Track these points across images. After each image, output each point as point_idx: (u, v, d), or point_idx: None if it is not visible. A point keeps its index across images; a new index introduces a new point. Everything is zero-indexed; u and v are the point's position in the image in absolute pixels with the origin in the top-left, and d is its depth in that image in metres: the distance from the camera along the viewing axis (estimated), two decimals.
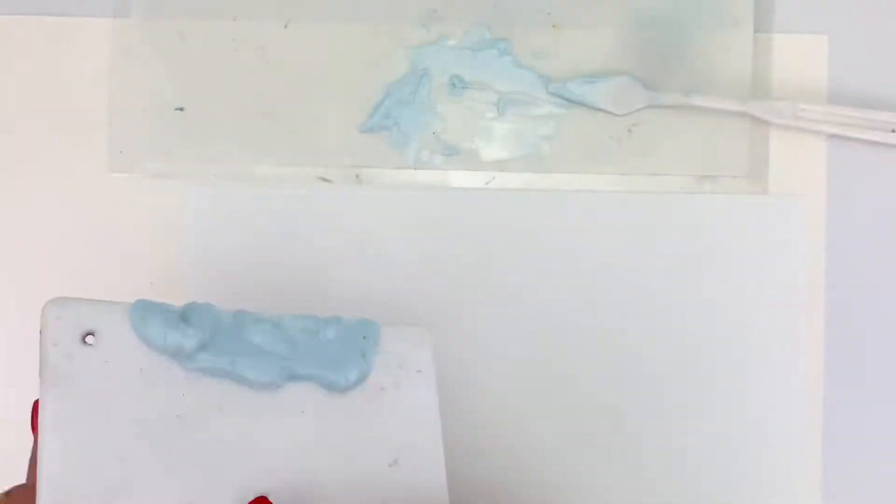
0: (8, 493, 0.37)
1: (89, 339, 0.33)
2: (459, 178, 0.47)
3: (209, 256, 0.47)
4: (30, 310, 0.48)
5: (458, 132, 0.47)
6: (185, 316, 0.34)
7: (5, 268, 0.47)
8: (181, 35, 0.47)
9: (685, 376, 0.47)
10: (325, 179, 0.47)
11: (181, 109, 0.47)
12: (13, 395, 0.47)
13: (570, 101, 0.47)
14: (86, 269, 0.47)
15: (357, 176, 0.47)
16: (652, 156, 0.47)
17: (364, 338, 0.36)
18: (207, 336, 0.33)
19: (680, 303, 0.47)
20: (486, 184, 0.47)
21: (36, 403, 0.35)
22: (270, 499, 0.32)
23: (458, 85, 0.47)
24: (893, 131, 0.46)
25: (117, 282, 0.47)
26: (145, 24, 0.47)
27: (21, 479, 0.36)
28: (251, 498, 0.32)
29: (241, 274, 0.47)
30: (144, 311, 0.33)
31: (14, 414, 0.47)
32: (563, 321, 0.47)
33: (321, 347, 0.35)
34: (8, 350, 0.47)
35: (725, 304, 0.47)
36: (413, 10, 0.47)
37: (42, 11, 0.48)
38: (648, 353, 0.47)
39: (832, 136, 0.47)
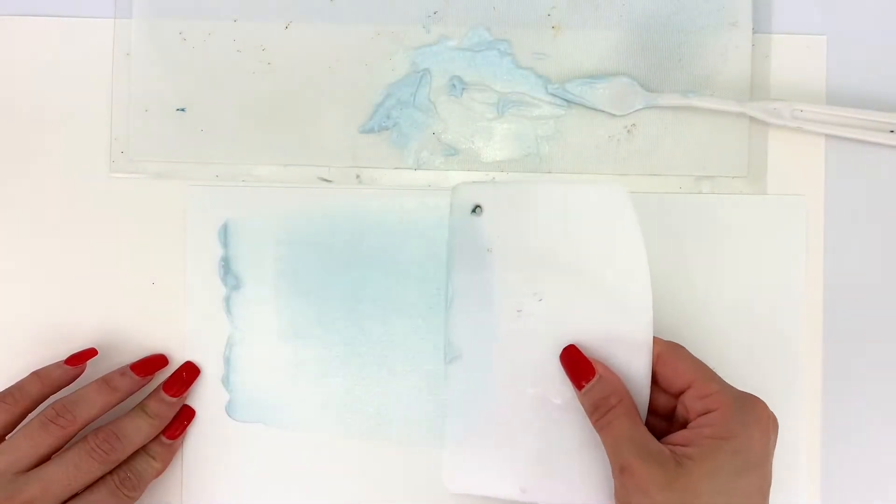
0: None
1: None
2: (459, 178, 0.47)
3: (209, 256, 0.47)
4: (30, 309, 0.48)
5: (458, 132, 0.47)
6: None
7: (6, 267, 0.48)
8: (182, 36, 0.48)
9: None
10: (325, 179, 0.47)
11: (182, 110, 0.48)
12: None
13: (569, 101, 0.47)
14: (86, 269, 0.47)
15: (357, 176, 0.47)
16: (651, 156, 0.47)
17: None
18: None
19: (679, 302, 0.47)
20: None
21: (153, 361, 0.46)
22: None
23: (458, 85, 0.47)
24: (892, 132, 0.46)
25: (118, 281, 0.47)
26: (147, 25, 0.48)
27: None
28: None
29: (241, 273, 0.47)
30: None
31: None
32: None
33: None
34: (8, 350, 0.47)
35: (724, 304, 0.47)
36: (414, 12, 0.47)
37: (43, 12, 0.48)
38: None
39: (830, 137, 0.47)
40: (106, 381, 0.44)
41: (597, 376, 0.43)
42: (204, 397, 0.47)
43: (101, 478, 0.43)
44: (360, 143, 0.47)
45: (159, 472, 0.45)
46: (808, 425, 0.47)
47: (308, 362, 0.47)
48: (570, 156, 0.47)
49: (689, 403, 0.41)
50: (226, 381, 0.47)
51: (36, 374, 0.44)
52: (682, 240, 0.47)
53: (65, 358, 0.45)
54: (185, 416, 0.47)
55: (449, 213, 0.46)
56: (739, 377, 0.46)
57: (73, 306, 0.47)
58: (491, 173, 0.47)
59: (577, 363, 0.43)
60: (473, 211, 0.46)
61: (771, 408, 0.42)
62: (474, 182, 0.47)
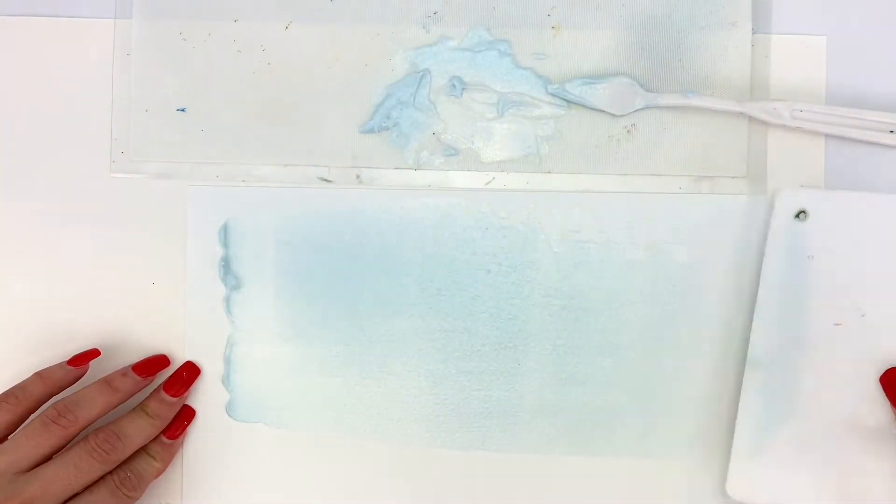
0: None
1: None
2: (459, 178, 0.47)
3: (209, 256, 0.47)
4: (31, 309, 0.48)
5: (458, 133, 0.47)
6: None
7: (6, 267, 0.48)
8: (183, 36, 0.48)
9: (684, 375, 0.47)
10: (325, 179, 0.47)
11: (183, 110, 0.48)
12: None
13: (569, 101, 0.47)
14: (86, 269, 0.47)
15: (357, 176, 0.47)
16: (650, 156, 0.47)
17: None
18: None
19: (678, 302, 0.47)
20: (486, 184, 0.47)
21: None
22: None
23: (458, 86, 0.47)
24: (892, 132, 0.46)
25: (118, 281, 0.47)
26: (147, 25, 0.48)
27: None
28: None
29: (241, 273, 0.47)
30: None
31: None
32: (562, 322, 0.47)
33: None
34: (8, 349, 0.47)
35: (724, 303, 0.47)
36: (414, 12, 0.47)
37: (44, 12, 0.48)
38: (648, 353, 0.47)
39: (830, 137, 0.47)
40: (107, 381, 0.44)
41: None
42: (204, 397, 0.47)
43: (102, 478, 0.43)
44: (360, 143, 0.47)
45: (160, 472, 0.45)
46: None
47: (308, 362, 0.47)
48: (570, 156, 0.47)
49: None
50: (226, 380, 0.47)
51: (38, 375, 0.44)
52: (681, 239, 0.47)
53: (67, 359, 0.45)
54: (186, 416, 0.47)
55: (770, 216, 0.45)
56: (738, 376, 0.47)
57: (73, 306, 0.47)
58: (491, 173, 0.47)
59: None
60: (797, 216, 0.45)
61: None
62: (801, 186, 0.46)
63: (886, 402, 0.42)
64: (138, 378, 0.45)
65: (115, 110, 0.48)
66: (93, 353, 0.46)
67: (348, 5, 0.48)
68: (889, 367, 0.43)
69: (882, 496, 0.43)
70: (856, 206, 0.44)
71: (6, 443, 0.42)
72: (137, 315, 0.47)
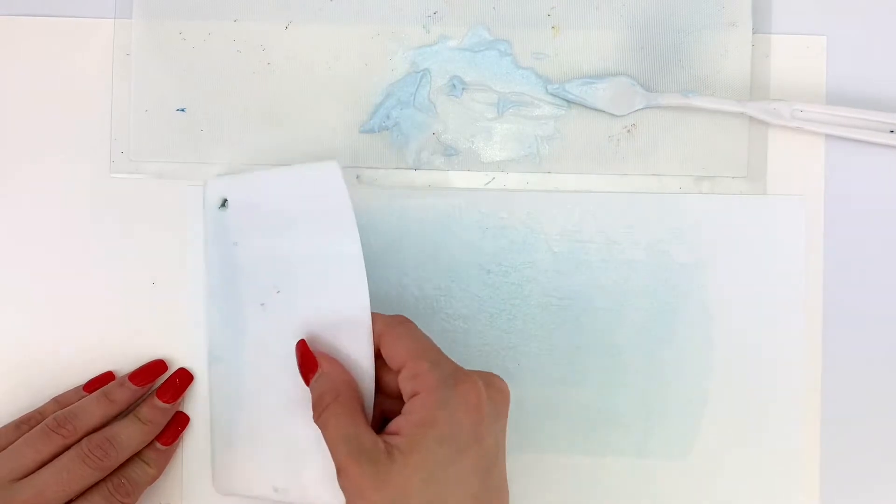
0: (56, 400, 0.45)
1: None
2: (459, 178, 0.47)
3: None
4: (30, 309, 0.48)
5: (458, 132, 0.47)
6: None
7: (7, 267, 0.48)
8: (182, 36, 0.48)
9: (684, 374, 0.47)
10: None
11: (182, 110, 0.48)
12: (22, 396, 0.47)
13: (569, 101, 0.47)
14: (86, 269, 0.47)
15: (357, 176, 0.47)
16: (651, 156, 0.47)
17: None
18: None
19: (678, 302, 0.47)
20: (486, 184, 0.47)
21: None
22: None
23: (458, 85, 0.47)
24: (891, 132, 0.46)
25: (118, 281, 0.47)
26: (147, 25, 0.48)
27: None
28: None
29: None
30: None
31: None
32: (562, 322, 0.47)
33: None
34: (8, 348, 0.47)
35: (724, 303, 0.47)
36: (414, 12, 0.47)
37: (43, 12, 0.48)
38: (648, 353, 0.47)
39: (830, 137, 0.47)
40: (105, 393, 0.45)
41: (318, 371, 0.40)
42: (204, 397, 0.47)
43: (95, 484, 0.43)
44: (360, 143, 0.47)
45: (154, 479, 0.45)
46: (807, 423, 0.47)
47: None
48: (570, 156, 0.47)
49: (403, 385, 0.39)
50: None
51: (55, 401, 0.46)
52: (681, 239, 0.47)
53: (83, 383, 0.46)
54: (180, 422, 0.47)
55: (203, 208, 0.45)
56: (738, 375, 0.47)
57: (72, 306, 0.47)
58: (491, 173, 0.47)
59: (303, 358, 0.41)
60: (222, 205, 0.45)
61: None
62: (221, 175, 0.46)
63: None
64: (135, 388, 0.45)
65: (115, 110, 0.48)
66: (107, 377, 0.46)
67: (348, 5, 0.48)
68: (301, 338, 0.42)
69: (315, 464, 0.42)
70: (260, 188, 0.44)
71: (6, 451, 0.42)
72: (137, 315, 0.47)
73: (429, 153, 0.47)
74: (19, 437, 0.43)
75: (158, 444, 0.45)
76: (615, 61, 0.47)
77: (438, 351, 0.39)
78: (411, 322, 0.41)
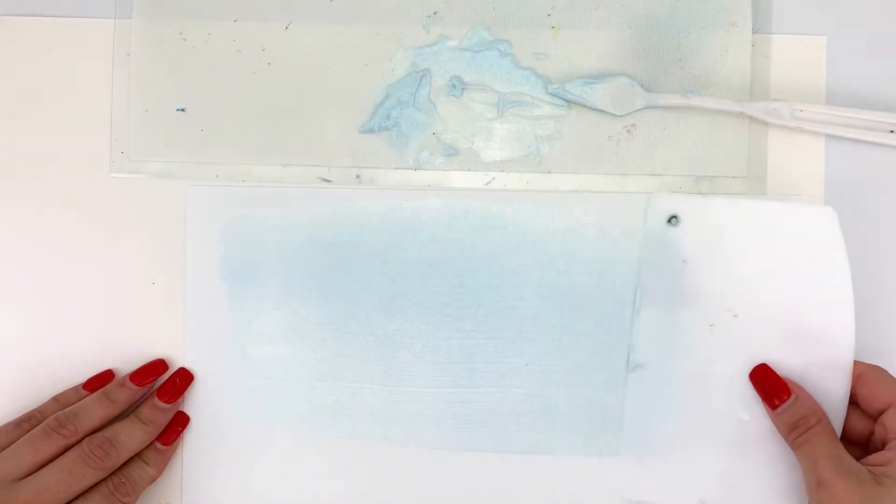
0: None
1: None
2: (459, 178, 0.47)
3: (209, 256, 0.47)
4: (30, 309, 0.48)
5: (458, 132, 0.47)
6: None
7: (7, 267, 0.48)
8: (182, 36, 0.48)
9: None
10: (325, 179, 0.47)
11: (182, 110, 0.48)
12: (22, 396, 0.47)
13: (569, 101, 0.47)
14: (86, 269, 0.47)
15: (357, 176, 0.47)
16: (651, 156, 0.47)
17: None
18: None
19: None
20: (486, 184, 0.47)
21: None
22: None
23: (458, 86, 0.47)
24: (892, 132, 0.46)
25: (118, 281, 0.47)
26: (147, 25, 0.48)
27: None
28: None
29: (241, 274, 0.47)
30: None
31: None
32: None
33: None
34: (7, 348, 0.47)
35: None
36: (414, 12, 0.47)
37: (44, 12, 0.48)
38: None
39: (830, 137, 0.47)
40: (105, 393, 0.45)
41: (793, 397, 0.43)
42: (204, 397, 0.47)
43: (96, 484, 0.43)
44: (360, 143, 0.47)
45: (154, 479, 0.45)
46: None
47: (308, 362, 0.47)
48: (569, 156, 0.47)
49: (889, 423, 0.42)
50: (226, 381, 0.47)
51: (55, 400, 0.46)
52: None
53: (82, 382, 0.46)
54: (180, 422, 0.47)
55: (643, 220, 0.46)
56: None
57: (72, 306, 0.47)
58: (491, 173, 0.47)
59: (771, 383, 0.44)
60: (669, 221, 0.46)
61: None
62: (673, 192, 0.47)
63: (758, 396, 0.45)
64: (136, 388, 0.45)
65: (115, 110, 0.48)
66: (107, 376, 0.46)
67: (348, 5, 0.48)
68: (756, 364, 0.45)
69: (757, 482, 0.45)
70: (725, 212, 0.46)
71: (7, 450, 0.42)
72: (137, 315, 0.47)
73: (429, 153, 0.47)
74: (20, 437, 0.43)
75: (158, 444, 0.45)
76: (615, 61, 0.47)
77: None
78: (886, 370, 0.44)
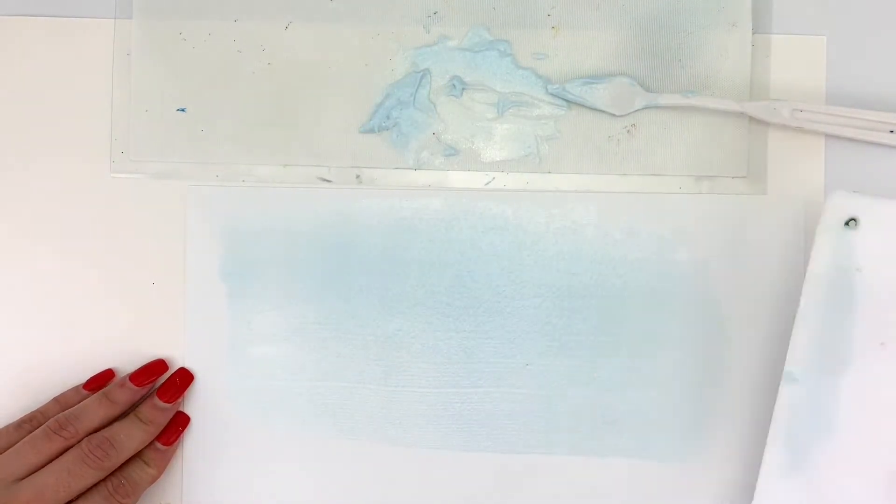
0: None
1: None
2: (459, 178, 0.47)
3: (209, 256, 0.47)
4: (30, 309, 0.48)
5: (458, 133, 0.47)
6: None
7: (7, 267, 0.48)
8: (182, 36, 0.48)
9: (684, 375, 0.47)
10: (325, 179, 0.47)
11: (183, 110, 0.48)
12: (22, 396, 0.48)
13: (569, 101, 0.47)
14: (86, 269, 0.47)
15: (357, 176, 0.47)
16: (651, 156, 0.47)
17: None
18: None
19: (679, 302, 0.47)
20: (486, 184, 0.47)
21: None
22: None
23: (458, 86, 0.47)
24: (892, 132, 0.46)
25: (118, 281, 0.47)
26: (147, 25, 0.48)
27: None
28: None
29: (241, 274, 0.47)
30: None
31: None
32: (563, 322, 0.47)
33: None
34: (6, 348, 0.47)
35: (724, 304, 0.47)
36: (414, 12, 0.47)
37: (44, 12, 0.48)
38: (648, 353, 0.47)
39: (830, 137, 0.47)
40: (106, 394, 0.45)
41: None
42: (204, 397, 0.47)
43: (96, 484, 0.43)
44: (360, 143, 0.47)
45: (154, 479, 0.45)
46: None
47: (308, 362, 0.47)
48: (569, 156, 0.47)
49: None
50: (226, 381, 0.47)
51: (56, 401, 0.46)
52: (681, 239, 0.47)
53: (83, 382, 0.46)
54: (180, 422, 0.47)
55: (818, 223, 0.41)
56: (738, 375, 0.47)
57: (72, 306, 0.47)
58: (491, 173, 0.47)
59: None
60: (847, 224, 0.41)
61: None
62: (854, 192, 0.41)
63: None
64: (136, 388, 0.45)
65: (115, 110, 0.48)
66: (107, 375, 0.46)
67: (348, 5, 0.48)
68: None
69: None
70: None
71: (8, 452, 0.42)
72: (137, 315, 0.47)
73: (429, 153, 0.47)
74: (20, 437, 0.43)
75: (158, 444, 0.45)
76: (615, 61, 0.47)
77: None
78: None
